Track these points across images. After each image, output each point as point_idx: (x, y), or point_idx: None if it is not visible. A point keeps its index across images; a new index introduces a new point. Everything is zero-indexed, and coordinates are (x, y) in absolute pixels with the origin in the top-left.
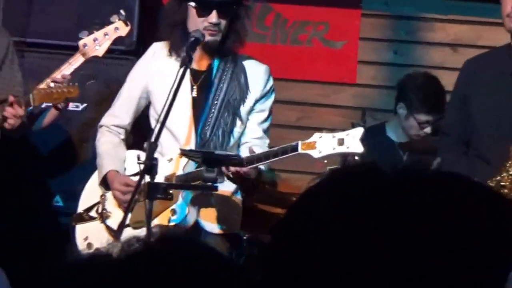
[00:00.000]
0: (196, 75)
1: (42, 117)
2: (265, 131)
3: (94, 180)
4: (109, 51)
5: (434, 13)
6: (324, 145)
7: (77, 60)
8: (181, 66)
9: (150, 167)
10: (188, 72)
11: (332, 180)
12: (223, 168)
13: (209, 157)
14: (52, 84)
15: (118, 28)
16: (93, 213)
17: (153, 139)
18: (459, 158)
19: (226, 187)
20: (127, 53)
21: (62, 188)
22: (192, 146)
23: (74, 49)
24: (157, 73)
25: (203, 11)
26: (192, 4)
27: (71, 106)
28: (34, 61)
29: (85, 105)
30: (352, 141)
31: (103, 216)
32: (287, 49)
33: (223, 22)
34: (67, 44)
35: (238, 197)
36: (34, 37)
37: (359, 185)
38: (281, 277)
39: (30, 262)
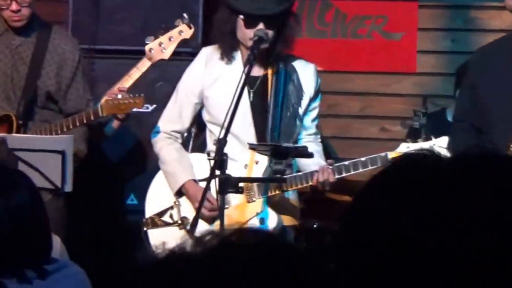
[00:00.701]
0: (251, 81)
1: (109, 126)
2: (317, 127)
3: (158, 183)
4: (176, 53)
5: (490, 1)
6: None
7: (144, 65)
8: (245, 66)
9: (221, 162)
10: (242, 76)
11: (395, 167)
12: (312, 181)
13: (278, 149)
14: (119, 96)
15: (182, 31)
16: (166, 218)
17: (222, 135)
18: (472, 139)
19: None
20: (193, 54)
21: (136, 187)
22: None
23: (142, 53)
24: (211, 77)
25: (250, 23)
26: (241, 17)
27: (142, 107)
28: (104, 67)
29: (154, 106)
30: (438, 150)
31: (183, 223)
32: (348, 42)
33: (270, 33)
34: (135, 49)
35: (294, 198)
36: (102, 44)
37: (421, 170)
38: (353, 264)
39: (108, 260)
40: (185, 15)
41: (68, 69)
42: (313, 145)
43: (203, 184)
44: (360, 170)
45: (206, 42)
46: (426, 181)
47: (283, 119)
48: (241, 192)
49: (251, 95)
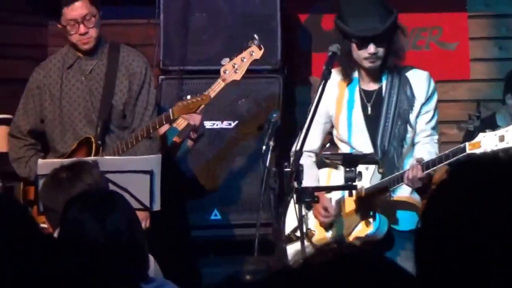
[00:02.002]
0: (368, 95)
1: (184, 145)
2: (433, 128)
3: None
4: (257, 71)
5: None
6: (487, 143)
7: (219, 86)
8: (321, 80)
9: (297, 173)
10: (359, 92)
11: (460, 171)
12: (404, 176)
13: (347, 157)
14: (188, 96)
15: (253, 52)
16: (299, 233)
17: (298, 147)
18: None
19: (404, 191)
20: (273, 71)
21: (219, 202)
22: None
23: (218, 73)
24: (333, 98)
25: (361, 45)
26: (353, 39)
27: (224, 124)
28: (192, 87)
29: (236, 122)
30: (511, 136)
31: (308, 235)
32: (409, 54)
33: (381, 50)
34: (213, 69)
35: (416, 198)
36: (191, 65)
37: (484, 173)
38: (433, 265)
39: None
40: (255, 36)
41: (136, 82)
42: (428, 146)
43: (327, 195)
44: (444, 162)
45: (284, 59)
46: (486, 188)
47: (394, 127)
48: (317, 202)
49: (369, 108)
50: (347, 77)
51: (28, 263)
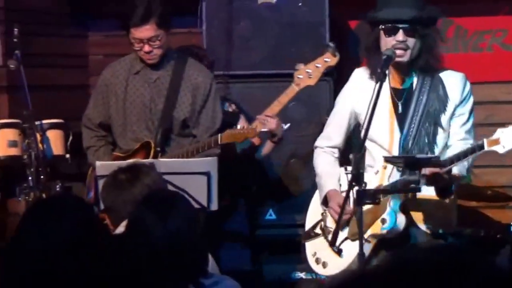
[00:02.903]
0: (398, 93)
1: (260, 150)
2: (468, 132)
3: (316, 199)
4: None
5: None
6: (507, 139)
7: (292, 91)
8: (376, 82)
9: (357, 176)
10: (389, 90)
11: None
12: (423, 172)
13: (411, 161)
14: (239, 126)
15: (327, 59)
16: (317, 230)
17: (357, 150)
18: None
19: (430, 191)
20: (323, 75)
21: (274, 203)
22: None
23: (271, 77)
24: (361, 96)
25: (390, 32)
26: (381, 26)
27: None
28: (238, 91)
29: (288, 125)
30: None
31: (325, 232)
32: (468, 56)
33: (410, 40)
34: (265, 73)
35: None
36: (236, 70)
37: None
38: None
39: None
40: (330, 43)
41: (200, 97)
42: (459, 150)
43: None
44: (463, 160)
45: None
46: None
47: (421, 126)
48: (378, 203)
49: (399, 107)
50: (375, 75)
51: (95, 259)
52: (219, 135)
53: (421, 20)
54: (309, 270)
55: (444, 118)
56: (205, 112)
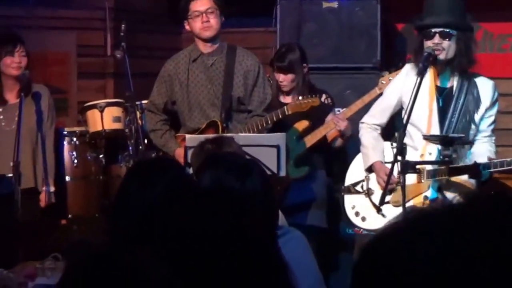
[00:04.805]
0: (440, 91)
1: (333, 144)
2: (492, 130)
3: (356, 162)
4: (360, 68)
5: None
6: None
7: (375, 92)
8: (418, 75)
9: (401, 150)
10: (430, 86)
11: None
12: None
13: (445, 138)
14: (300, 97)
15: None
16: (358, 188)
17: (402, 130)
18: None
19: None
20: (373, 68)
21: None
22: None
23: (333, 70)
24: (408, 87)
25: (429, 36)
26: (422, 32)
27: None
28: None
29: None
30: None
31: (368, 193)
32: (493, 55)
33: (445, 43)
34: (328, 66)
35: (471, 181)
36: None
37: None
38: None
39: None
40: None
41: (251, 77)
42: (486, 145)
43: (388, 165)
44: (506, 167)
45: (383, 59)
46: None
47: (458, 122)
48: (418, 173)
49: (439, 101)
50: (421, 72)
51: (190, 211)
52: (285, 106)
53: (453, 25)
54: (346, 219)
55: (477, 117)
56: (257, 90)
